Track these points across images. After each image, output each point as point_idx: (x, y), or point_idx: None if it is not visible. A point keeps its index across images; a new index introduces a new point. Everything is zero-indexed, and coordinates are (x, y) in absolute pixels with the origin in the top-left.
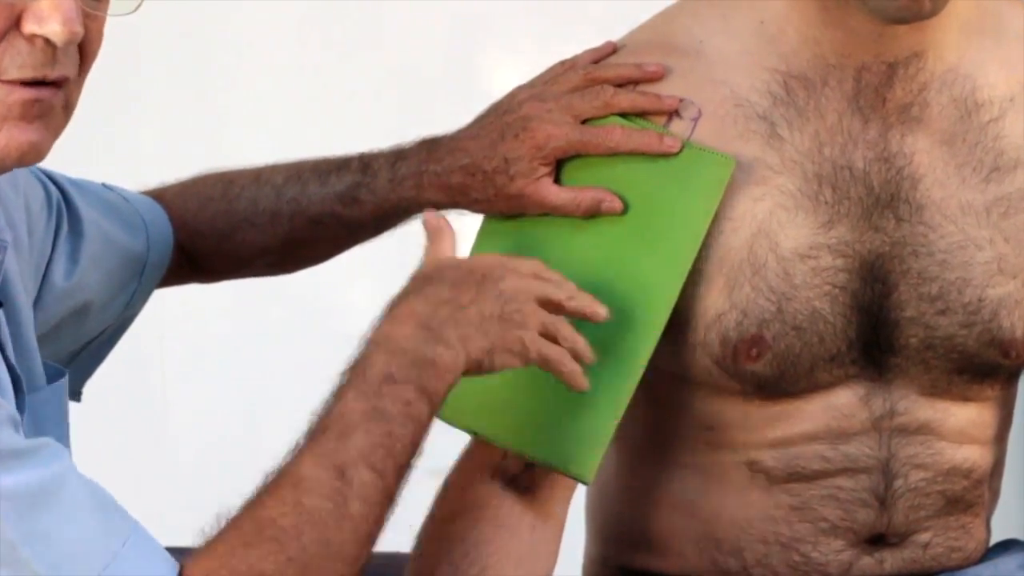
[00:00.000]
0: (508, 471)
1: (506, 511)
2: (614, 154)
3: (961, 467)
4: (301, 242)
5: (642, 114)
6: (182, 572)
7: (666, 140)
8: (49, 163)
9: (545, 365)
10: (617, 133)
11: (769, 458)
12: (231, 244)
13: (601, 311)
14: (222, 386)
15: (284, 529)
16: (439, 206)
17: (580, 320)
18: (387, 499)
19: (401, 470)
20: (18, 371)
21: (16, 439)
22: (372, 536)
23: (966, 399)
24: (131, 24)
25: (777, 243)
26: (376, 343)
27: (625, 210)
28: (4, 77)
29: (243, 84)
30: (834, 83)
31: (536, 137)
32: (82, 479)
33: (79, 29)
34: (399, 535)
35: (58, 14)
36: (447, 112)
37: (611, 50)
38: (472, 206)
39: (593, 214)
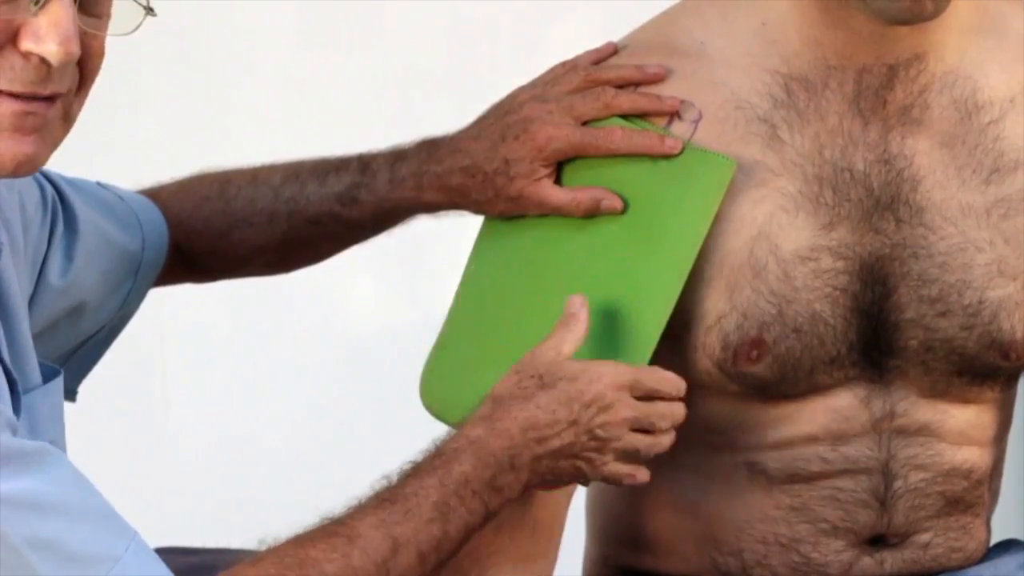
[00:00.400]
0: None
1: (507, 511)
2: (615, 156)
3: (961, 468)
4: (298, 242)
5: (643, 115)
6: None
7: (667, 141)
8: (49, 162)
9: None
10: (617, 134)
11: (769, 459)
12: (227, 243)
13: (681, 385)
14: (222, 386)
15: (325, 574)
16: (439, 206)
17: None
18: None
19: (436, 569)
20: (13, 373)
21: (15, 443)
22: None
23: (966, 401)
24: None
25: (777, 245)
26: (471, 444)
27: (626, 212)
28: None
29: (243, 84)
30: (835, 85)
31: (537, 139)
32: (84, 484)
33: (76, 50)
34: None
35: (55, 33)
36: (447, 112)
37: (612, 51)
38: (472, 207)
39: (593, 213)
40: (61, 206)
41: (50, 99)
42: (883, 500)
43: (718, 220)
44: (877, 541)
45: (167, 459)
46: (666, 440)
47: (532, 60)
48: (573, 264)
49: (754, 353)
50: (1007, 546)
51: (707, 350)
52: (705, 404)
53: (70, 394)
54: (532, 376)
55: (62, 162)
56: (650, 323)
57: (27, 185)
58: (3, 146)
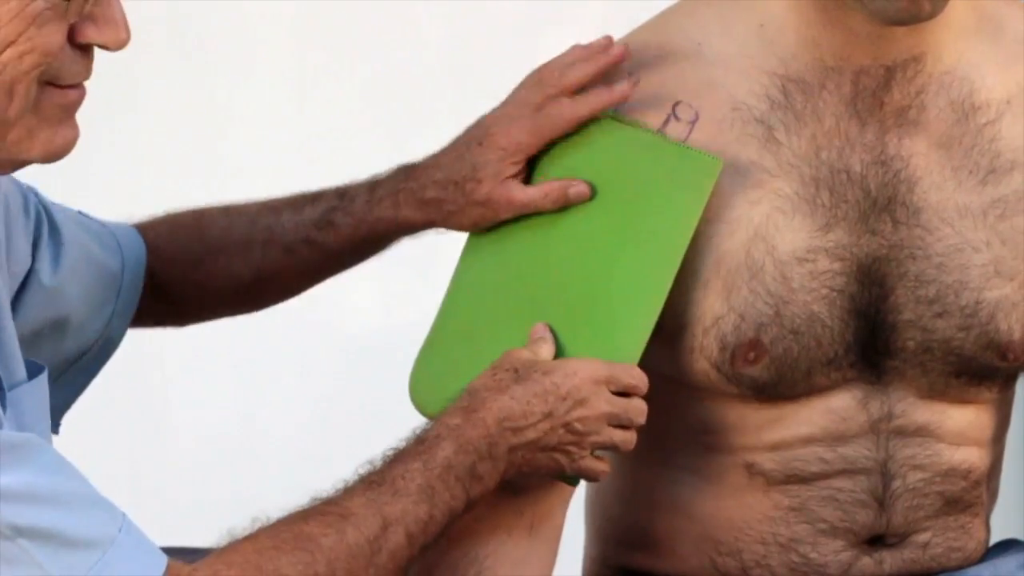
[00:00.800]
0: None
1: (504, 513)
2: (579, 128)
3: (959, 468)
4: (274, 272)
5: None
6: (217, 555)
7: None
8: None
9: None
10: (566, 106)
11: (767, 460)
12: (202, 272)
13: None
14: (222, 385)
15: (322, 548)
16: (416, 225)
17: (570, 317)
18: (405, 569)
19: (423, 550)
20: None
21: (2, 435)
22: None
23: (964, 401)
24: (129, 23)
25: (774, 247)
26: (451, 431)
27: (613, 212)
28: (60, 83)
29: (243, 83)
30: (832, 86)
31: (499, 140)
32: (71, 471)
33: (129, 34)
34: None
35: (115, 22)
36: (447, 112)
37: (607, 43)
38: (447, 220)
39: (563, 205)
40: (46, 216)
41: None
42: (882, 500)
43: (714, 221)
44: (876, 541)
45: (167, 459)
46: (634, 437)
47: (532, 60)
48: (560, 266)
49: (751, 355)
50: (1007, 546)
51: (705, 352)
52: (703, 405)
53: (53, 425)
54: (507, 370)
55: (63, 160)
56: (640, 322)
57: (11, 189)
58: (61, 133)
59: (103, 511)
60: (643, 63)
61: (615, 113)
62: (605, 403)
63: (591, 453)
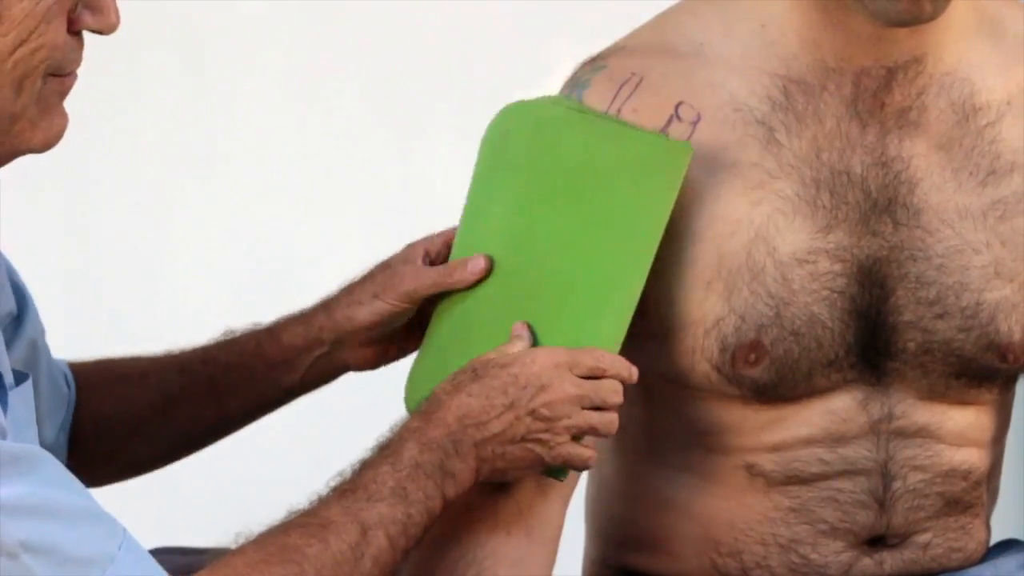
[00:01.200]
0: None
1: (503, 514)
2: (543, 124)
3: (959, 469)
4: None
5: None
6: (209, 571)
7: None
8: (53, 157)
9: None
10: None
11: (767, 461)
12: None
13: (635, 372)
14: None
15: (308, 557)
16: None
17: (548, 311)
18: (391, 571)
19: (406, 553)
20: None
21: (6, 447)
22: None
23: (964, 403)
24: (129, 23)
25: (775, 248)
26: (412, 433)
27: (586, 205)
28: (61, 73)
29: (243, 83)
30: (833, 88)
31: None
32: (74, 484)
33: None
34: None
35: (109, 6)
36: (447, 112)
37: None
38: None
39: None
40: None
41: None
42: (882, 501)
43: (716, 222)
44: (876, 542)
45: None
46: (615, 418)
47: (533, 60)
48: (540, 264)
49: (752, 356)
50: (1007, 546)
51: (705, 353)
52: (703, 406)
53: None
54: (466, 372)
55: (63, 159)
56: (615, 310)
57: None
58: (57, 122)
59: (104, 527)
60: (646, 63)
61: (578, 105)
62: (570, 386)
63: (574, 440)
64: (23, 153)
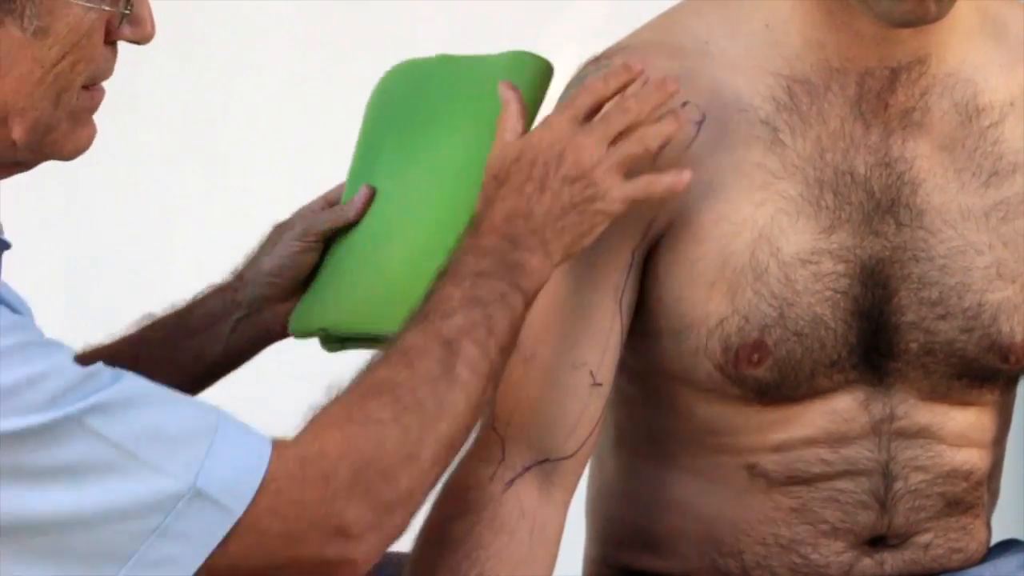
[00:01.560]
0: (508, 475)
1: (505, 515)
2: (408, 71)
3: (961, 469)
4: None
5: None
6: (310, 425)
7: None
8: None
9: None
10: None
11: (769, 461)
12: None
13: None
14: (220, 386)
15: (399, 384)
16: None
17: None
18: (490, 374)
19: (502, 351)
20: None
21: (81, 369)
22: (479, 406)
23: (965, 403)
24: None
25: (779, 248)
26: (465, 250)
27: (457, 117)
28: (95, 82)
29: (243, 83)
30: (837, 88)
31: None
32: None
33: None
34: None
35: (148, 18)
36: None
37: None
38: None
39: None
40: None
41: None
42: (883, 501)
43: (720, 222)
44: (877, 542)
45: None
46: (668, 125)
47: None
48: (418, 181)
49: (755, 356)
50: (1007, 546)
51: (708, 353)
52: (705, 406)
53: None
54: (489, 183)
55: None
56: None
57: None
58: (87, 133)
59: (197, 404)
60: (650, 62)
61: (443, 54)
62: (582, 136)
63: (621, 181)
64: (48, 159)
